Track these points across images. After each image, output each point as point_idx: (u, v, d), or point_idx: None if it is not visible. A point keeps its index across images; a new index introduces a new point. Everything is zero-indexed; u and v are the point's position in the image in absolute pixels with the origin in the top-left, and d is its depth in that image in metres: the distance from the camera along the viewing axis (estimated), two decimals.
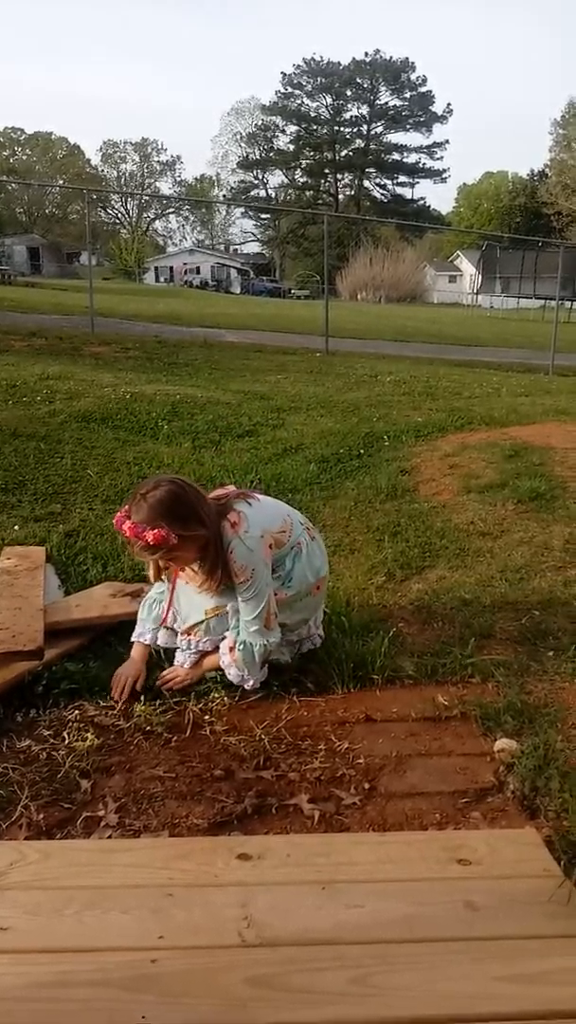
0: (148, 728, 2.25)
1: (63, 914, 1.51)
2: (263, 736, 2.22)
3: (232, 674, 2.39)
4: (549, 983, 1.38)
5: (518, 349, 16.65)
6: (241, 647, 2.35)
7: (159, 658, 2.55)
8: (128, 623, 2.69)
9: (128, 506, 2.19)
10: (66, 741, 2.16)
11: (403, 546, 3.73)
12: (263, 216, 76.36)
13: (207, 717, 2.32)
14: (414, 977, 1.38)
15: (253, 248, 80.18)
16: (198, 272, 55.82)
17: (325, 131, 74.17)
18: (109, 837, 1.81)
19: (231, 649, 2.37)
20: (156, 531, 2.12)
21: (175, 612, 2.51)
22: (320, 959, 1.41)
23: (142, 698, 2.37)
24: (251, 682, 2.40)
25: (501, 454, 5.28)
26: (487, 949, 1.44)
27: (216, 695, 2.40)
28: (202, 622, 2.45)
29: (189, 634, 2.47)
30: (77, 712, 2.31)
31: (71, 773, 2.03)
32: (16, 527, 3.78)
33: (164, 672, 2.47)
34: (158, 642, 2.53)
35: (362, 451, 5.64)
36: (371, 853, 1.71)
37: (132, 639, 2.54)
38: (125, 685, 2.40)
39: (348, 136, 74.78)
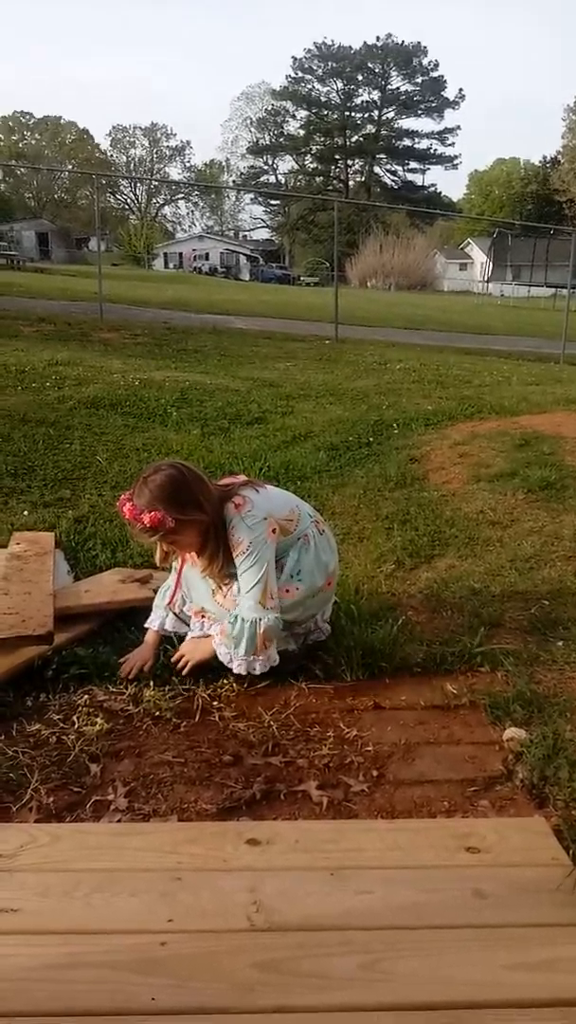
0: (157, 713, 2.25)
1: (72, 896, 1.52)
2: (272, 722, 2.22)
3: (221, 652, 2.34)
4: (557, 971, 1.38)
5: (529, 338, 16.58)
6: (231, 620, 2.32)
7: (171, 644, 2.55)
8: (137, 608, 2.70)
9: (132, 489, 2.22)
10: (76, 725, 2.17)
11: (412, 535, 3.72)
12: (273, 202, 76.05)
13: (216, 703, 2.32)
14: (422, 963, 1.38)
15: (262, 235, 79.94)
16: (207, 258, 55.65)
17: (336, 116, 73.70)
18: (118, 821, 1.82)
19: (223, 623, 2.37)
20: (153, 514, 2.14)
21: (183, 595, 2.53)
22: (329, 944, 1.42)
23: (151, 683, 2.38)
24: (236, 663, 2.32)
25: (511, 443, 5.26)
26: (495, 937, 1.44)
27: (225, 681, 2.40)
28: (211, 610, 2.45)
29: (202, 616, 2.48)
30: (87, 697, 2.32)
31: (81, 757, 2.04)
32: (25, 512, 3.78)
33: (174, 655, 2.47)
34: (166, 626, 2.53)
35: (371, 439, 5.63)
36: (380, 840, 1.71)
37: (145, 625, 2.56)
38: (134, 667, 2.42)
39: (359, 121, 74.36)
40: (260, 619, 2.28)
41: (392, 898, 1.53)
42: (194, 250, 58.34)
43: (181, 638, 2.53)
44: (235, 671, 2.35)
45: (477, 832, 1.74)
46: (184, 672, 2.41)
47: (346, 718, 2.27)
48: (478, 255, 56.63)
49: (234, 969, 1.36)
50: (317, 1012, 1.29)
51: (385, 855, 1.66)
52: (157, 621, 2.54)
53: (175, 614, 2.54)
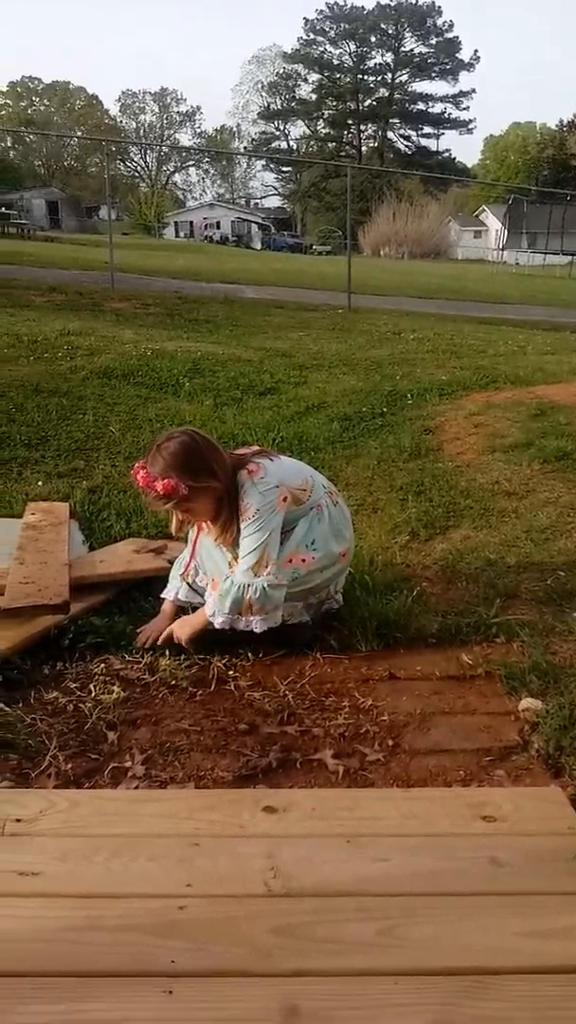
0: (173, 682, 2.27)
1: (92, 861, 1.54)
2: (287, 692, 2.23)
3: (209, 604, 2.36)
4: (571, 939, 1.38)
5: (544, 307, 16.33)
6: (223, 578, 2.35)
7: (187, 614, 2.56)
8: (152, 578, 2.70)
9: (146, 457, 2.23)
10: (92, 694, 2.19)
11: (427, 505, 3.71)
12: (284, 169, 74.84)
13: (231, 672, 2.34)
14: (438, 930, 1.39)
15: (274, 202, 78.82)
16: (218, 227, 55.03)
17: (348, 80, 72.12)
18: (136, 787, 1.84)
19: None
20: (166, 481, 2.15)
21: (196, 566, 2.53)
22: (345, 910, 1.43)
23: (167, 653, 2.39)
24: (220, 618, 2.32)
25: (527, 413, 5.21)
26: (510, 904, 1.45)
27: (241, 651, 2.41)
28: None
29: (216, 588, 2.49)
30: (103, 665, 2.33)
31: (98, 725, 2.06)
32: (40, 483, 3.79)
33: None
34: (180, 596, 2.54)
35: (385, 409, 5.59)
36: (395, 808, 1.72)
37: (161, 595, 2.57)
38: (150, 636, 2.44)
39: (372, 85, 72.70)
40: (248, 584, 2.29)
41: (408, 865, 1.54)
42: (205, 219, 57.68)
43: (196, 608, 2.54)
44: (217, 625, 2.34)
45: (493, 801, 1.75)
46: (180, 643, 2.41)
47: (361, 688, 2.28)
48: (493, 222, 55.67)
49: (252, 933, 1.37)
50: (334, 976, 1.30)
51: (401, 823, 1.67)
52: (172, 591, 2.55)
53: (188, 584, 2.55)
